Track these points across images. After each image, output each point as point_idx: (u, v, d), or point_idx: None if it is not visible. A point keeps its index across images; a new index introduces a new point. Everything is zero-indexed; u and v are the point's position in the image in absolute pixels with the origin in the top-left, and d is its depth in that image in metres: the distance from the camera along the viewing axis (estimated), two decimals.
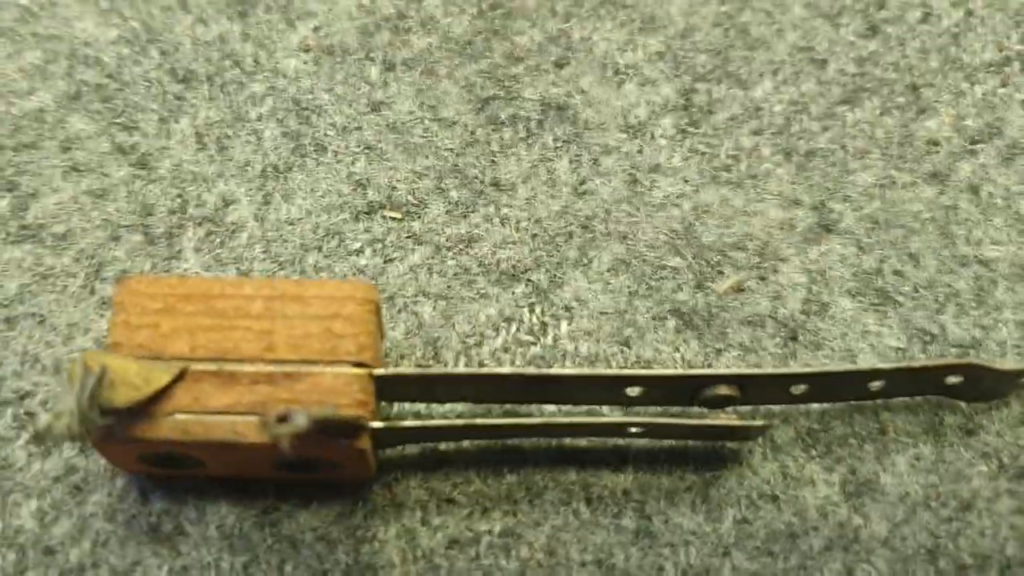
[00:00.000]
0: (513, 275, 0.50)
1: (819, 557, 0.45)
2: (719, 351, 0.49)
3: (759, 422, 0.44)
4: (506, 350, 0.49)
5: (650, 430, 0.44)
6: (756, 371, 0.45)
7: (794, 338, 0.49)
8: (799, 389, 0.45)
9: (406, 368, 0.47)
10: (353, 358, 0.41)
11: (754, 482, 0.46)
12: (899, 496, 0.46)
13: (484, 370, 0.46)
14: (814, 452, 0.47)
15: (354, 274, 0.50)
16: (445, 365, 0.48)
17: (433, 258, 0.50)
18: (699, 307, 0.49)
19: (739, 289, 0.50)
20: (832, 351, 0.49)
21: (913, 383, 0.47)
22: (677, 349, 0.49)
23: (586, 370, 0.46)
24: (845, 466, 0.46)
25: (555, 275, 0.50)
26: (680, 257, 0.51)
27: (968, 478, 0.46)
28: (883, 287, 0.50)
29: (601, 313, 0.49)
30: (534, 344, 0.49)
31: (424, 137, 0.53)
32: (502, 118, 0.54)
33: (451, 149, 0.53)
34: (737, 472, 0.46)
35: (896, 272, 0.51)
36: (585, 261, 0.50)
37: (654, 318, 0.49)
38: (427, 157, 0.53)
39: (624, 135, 0.54)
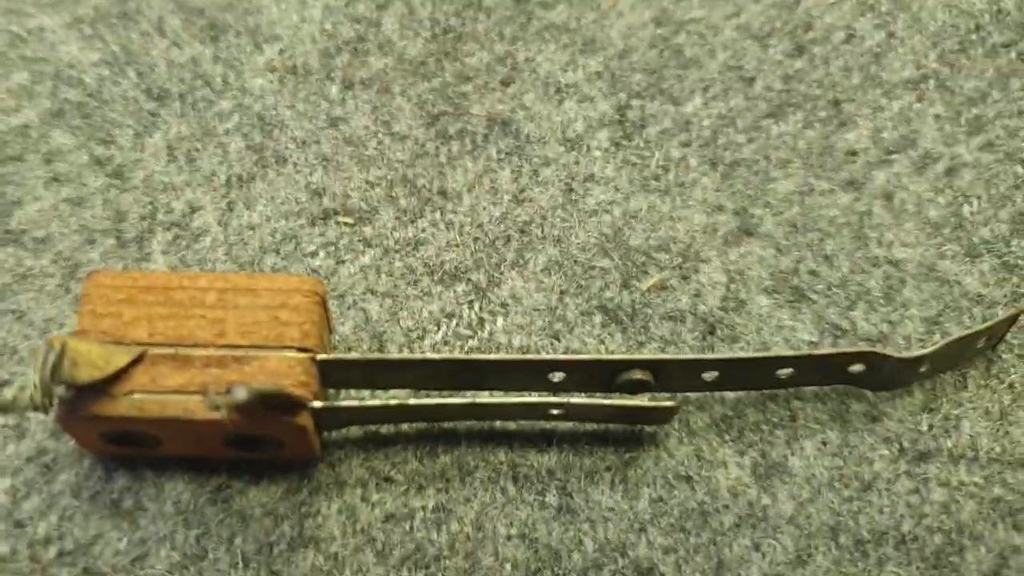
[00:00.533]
0: (455, 275, 0.54)
1: (729, 533, 0.48)
2: (641, 343, 0.52)
3: (668, 403, 0.48)
4: (446, 343, 0.52)
5: (568, 411, 0.48)
6: (667, 356, 0.49)
7: (712, 332, 0.53)
8: (711, 376, 0.49)
9: (347, 354, 0.51)
10: (297, 344, 0.45)
11: (670, 464, 0.50)
12: (806, 478, 0.49)
13: (418, 355, 0.50)
14: (727, 437, 0.50)
15: (308, 274, 0.54)
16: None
17: (382, 260, 0.54)
18: (624, 304, 0.53)
19: (662, 287, 0.54)
20: (748, 344, 0.52)
21: (819, 371, 0.50)
22: (602, 342, 0.52)
23: (510, 355, 0.50)
24: (756, 450, 0.50)
25: (493, 275, 0.54)
26: (608, 259, 0.55)
27: (870, 461, 0.50)
28: (798, 286, 0.54)
29: (534, 309, 0.53)
30: (471, 337, 0.53)
31: (377, 150, 0.58)
32: (451, 132, 0.58)
33: (402, 161, 0.57)
34: (654, 454, 0.50)
35: (811, 272, 0.54)
36: (521, 262, 0.54)
37: (582, 313, 0.53)
38: (380, 168, 0.57)
39: (562, 148, 0.58)
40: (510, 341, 0.52)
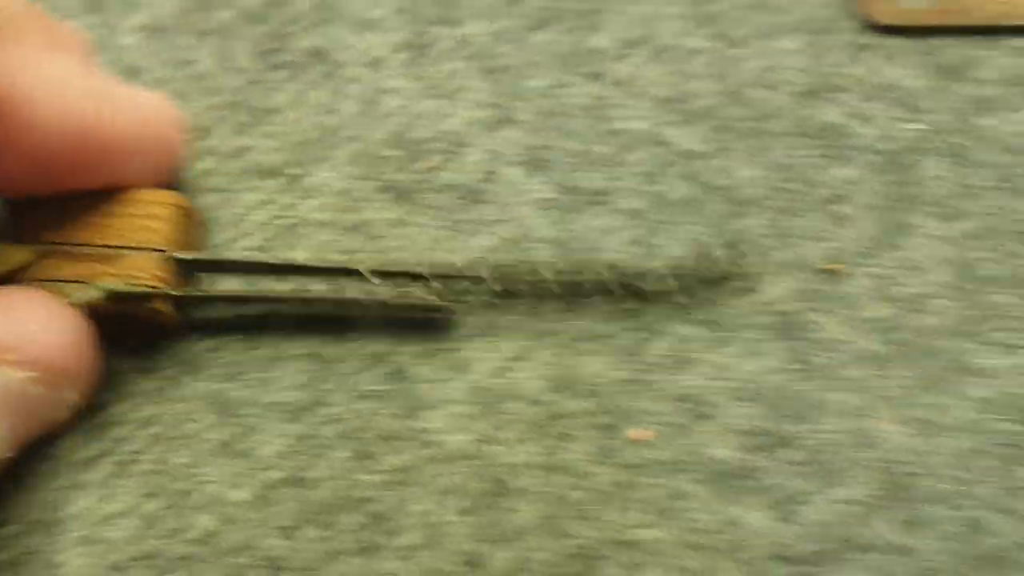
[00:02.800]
0: (272, 173, 0.69)
1: None
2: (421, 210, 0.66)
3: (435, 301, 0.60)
4: (263, 224, 0.67)
5: (371, 305, 0.60)
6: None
7: (475, 201, 0.66)
8: None
9: (198, 253, 0.62)
10: (159, 247, 0.58)
11: None
12: None
13: (247, 256, 0.62)
14: None
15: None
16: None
17: (217, 165, 0.69)
18: (409, 183, 0.68)
19: (437, 168, 0.68)
20: (502, 205, 0.66)
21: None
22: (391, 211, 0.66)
23: (321, 262, 0.61)
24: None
25: (306, 168, 0.69)
26: (397, 150, 0.69)
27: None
28: (545, 157, 0.68)
29: (337, 193, 0.68)
30: (287, 217, 0.67)
31: (219, 81, 0.73)
32: (277, 63, 0.73)
33: (237, 88, 0.72)
34: None
35: (553, 148, 0.68)
36: (328, 157, 0.69)
37: (375, 191, 0.67)
38: (220, 95, 0.72)
39: (366, 69, 0.72)
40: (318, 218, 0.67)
